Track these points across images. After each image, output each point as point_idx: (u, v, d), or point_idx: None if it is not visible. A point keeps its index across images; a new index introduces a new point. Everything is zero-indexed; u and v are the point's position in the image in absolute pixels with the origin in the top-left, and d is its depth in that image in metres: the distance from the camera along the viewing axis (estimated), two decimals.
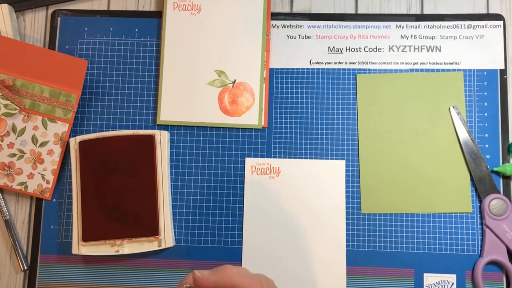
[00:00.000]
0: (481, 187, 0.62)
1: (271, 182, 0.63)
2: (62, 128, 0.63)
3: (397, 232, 0.62)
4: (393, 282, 0.61)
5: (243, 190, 0.63)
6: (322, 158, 0.63)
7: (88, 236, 0.60)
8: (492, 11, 0.66)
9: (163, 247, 0.60)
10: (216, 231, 0.62)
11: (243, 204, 0.63)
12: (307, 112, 0.64)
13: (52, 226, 0.63)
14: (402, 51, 0.65)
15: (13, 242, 0.62)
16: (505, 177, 0.63)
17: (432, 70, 0.65)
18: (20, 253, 0.62)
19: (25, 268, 0.62)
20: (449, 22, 0.65)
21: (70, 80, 0.62)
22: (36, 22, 0.67)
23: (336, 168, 0.63)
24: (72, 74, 0.62)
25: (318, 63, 0.65)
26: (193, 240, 0.62)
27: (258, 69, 0.64)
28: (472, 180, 0.62)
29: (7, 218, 0.63)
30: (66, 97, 0.62)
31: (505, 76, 0.64)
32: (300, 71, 0.65)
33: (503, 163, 0.63)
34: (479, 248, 0.61)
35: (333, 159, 0.63)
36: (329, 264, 0.61)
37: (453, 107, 0.63)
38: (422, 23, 0.66)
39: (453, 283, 0.61)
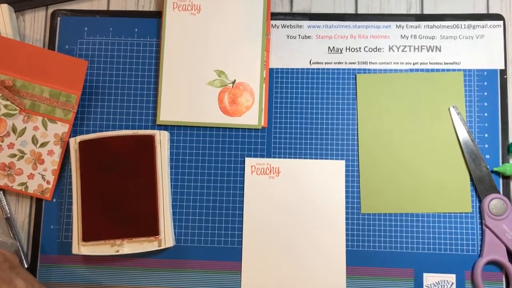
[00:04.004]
0: (481, 187, 0.62)
1: (271, 182, 0.63)
2: (62, 128, 0.63)
3: (397, 232, 0.62)
4: (392, 282, 0.61)
5: (243, 190, 0.63)
6: (322, 158, 0.63)
7: (88, 236, 0.60)
8: (492, 11, 0.66)
9: (163, 247, 0.60)
10: (216, 231, 0.63)
11: (243, 204, 0.63)
12: (307, 112, 0.64)
13: (52, 226, 0.63)
14: (402, 51, 0.65)
15: (14, 240, 0.62)
16: (505, 177, 0.63)
17: (432, 70, 0.65)
18: (21, 251, 0.62)
19: (26, 266, 0.62)
20: (449, 22, 0.65)
21: (70, 80, 0.62)
22: (35, 22, 0.67)
23: (336, 168, 0.63)
24: (72, 75, 0.62)
25: (318, 63, 0.65)
26: (193, 240, 0.63)
27: (258, 69, 0.64)
28: (471, 180, 0.62)
29: (8, 215, 0.63)
30: (66, 97, 0.62)
31: (505, 76, 0.64)
32: (300, 71, 0.65)
33: (502, 163, 0.63)
34: (479, 248, 0.61)
35: (333, 159, 0.63)
36: (329, 264, 0.61)
37: (453, 107, 0.63)
38: (422, 23, 0.66)
39: (452, 283, 0.61)
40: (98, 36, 0.66)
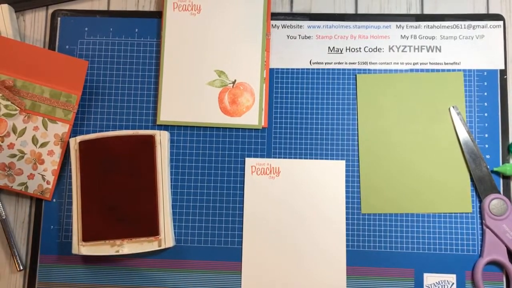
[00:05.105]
0: (481, 187, 0.62)
1: (271, 182, 0.63)
2: (63, 128, 0.63)
3: (397, 232, 0.62)
4: (393, 282, 0.61)
5: (243, 190, 0.63)
6: (322, 158, 0.63)
7: (88, 236, 0.60)
8: (492, 11, 0.66)
9: (163, 247, 0.60)
10: (216, 231, 0.63)
11: (243, 204, 0.63)
12: (307, 112, 0.64)
13: (52, 226, 0.63)
14: (402, 51, 0.65)
15: (9, 242, 0.62)
16: (505, 177, 0.63)
17: (432, 70, 0.65)
18: (16, 253, 0.62)
19: (21, 268, 0.62)
20: (449, 22, 0.65)
21: (70, 80, 0.62)
22: (36, 22, 0.67)
23: (336, 168, 0.63)
24: (72, 75, 0.62)
25: (318, 63, 0.65)
26: (193, 240, 0.62)
27: (258, 69, 0.64)
28: (472, 180, 0.62)
29: (3, 218, 0.63)
30: (66, 97, 0.62)
31: (505, 76, 0.64)
32: (300, 71, 0.65)
33: (503, 163, 0.63)
34: (479, 248, 0.61)
35: (333, 159, 0.63)
36: (329, 264, 0.61)
37: (453, 107, 0.63)
38: (422, 23, 0.66)
39: (453, 283, 0.61)
40: (98, 36, 0.66)
